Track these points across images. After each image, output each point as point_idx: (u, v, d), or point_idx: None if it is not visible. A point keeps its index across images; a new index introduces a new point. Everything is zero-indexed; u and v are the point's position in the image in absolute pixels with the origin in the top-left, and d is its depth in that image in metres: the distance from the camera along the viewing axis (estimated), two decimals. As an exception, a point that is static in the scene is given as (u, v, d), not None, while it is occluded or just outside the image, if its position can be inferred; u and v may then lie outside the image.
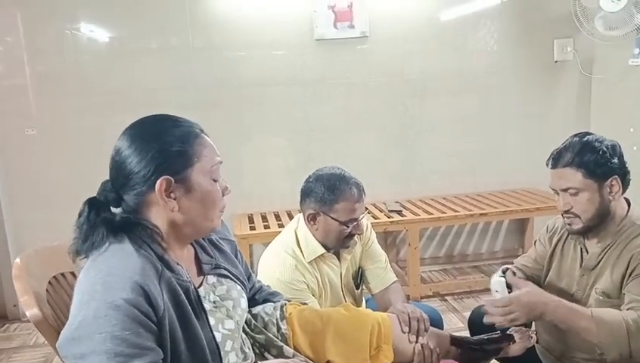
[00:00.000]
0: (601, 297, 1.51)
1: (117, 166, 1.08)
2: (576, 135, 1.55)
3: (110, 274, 0.98)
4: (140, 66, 3.15)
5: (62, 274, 1.36)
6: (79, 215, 1.08)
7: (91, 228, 1.05)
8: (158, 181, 1.05)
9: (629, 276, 1.46)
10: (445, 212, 3.16)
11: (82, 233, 1.06)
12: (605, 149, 1.48)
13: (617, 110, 3.38)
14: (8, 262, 3.08)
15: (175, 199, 1.07)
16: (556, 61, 3.50)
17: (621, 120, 3.29)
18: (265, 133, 3.34)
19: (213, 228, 1.16)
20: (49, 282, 1.30)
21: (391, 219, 3.08)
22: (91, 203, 1.09)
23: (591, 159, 1.47)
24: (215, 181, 1.12)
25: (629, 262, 1.46)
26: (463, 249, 3.72)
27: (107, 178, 1.12)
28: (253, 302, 1.41)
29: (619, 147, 1.53)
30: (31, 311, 1.16)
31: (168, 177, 1.05)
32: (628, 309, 1.43)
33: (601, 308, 1.47)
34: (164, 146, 1.07)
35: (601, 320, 1.39)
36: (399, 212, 3.17)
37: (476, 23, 3.43)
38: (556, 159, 1.53)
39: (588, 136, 1.53)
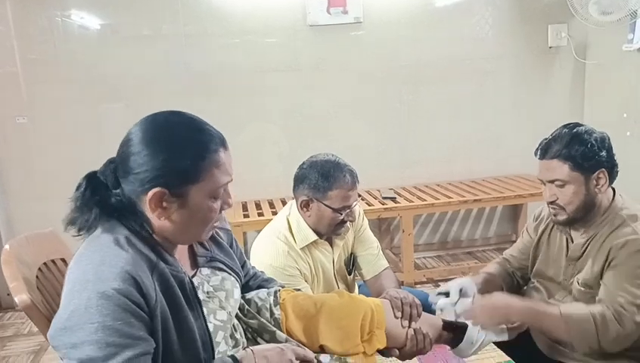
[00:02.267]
0: (582, 288, 1.52)
1: (123, 156, 1.05)
2: (565, 126, 1.53)
3: (102, 263, 0.98)
4: (132, 54, 3.12)
5: (52, 261, 1.36)
6: (77, 188, 1.06)
7: (84, 205, 1.04)
8: (151, 191, 1.01)
9: (608, 266, 1.46)
10: (438, 199, 3.17)
11: (76, 207, 1.05)
12: (594, 142, 1.46)
13: (611, 95, 3.38)
14: (0, 250, 3.07)
15: (165, 208, 1.04)
16: (550, 47, 3.49)
17: (615, 105, 3.30)
18: (258, 120, 3.32)
19: (200, 240, 1.16)
20: (39, 269, 1.30)
21: (385, 206, 3.08)
22: (91, 178, 1.07)
23: (579, 151, 1.45)
24: (216, 198, 1.08)
25: (609, 252, 1.46)
26: (457, 235, 3.73)
27: (99, 166, 1.10)
28: (247, 288, 1.40)
29: (609, 139, 1.51)
30: (20, 297, 1.16)
31: (163, 190, 1.02)
32: (597, 301, 1.44)
33: (569, 304, 1.49)
34: (171, 159, 1.02)
35: (569, 317, 1.42)
36: (393, 199, 3.17)
37: (470, 9, 3.42)
38: (544, 150, 1.52)
39: (577, 128, 1.51)
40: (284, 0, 3.19)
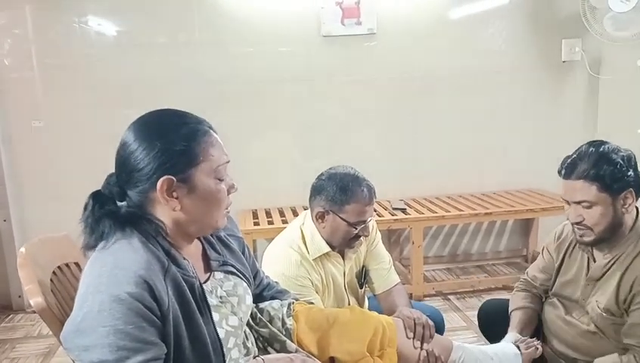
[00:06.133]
0: (604, 314, 1.50)
1: (121, 161, 1.08)
2: (591, 144, 1.48)
3: (116, 267, 0.99)
4: (147, 61, 3.15)
5: (66, 265, 1.37)
6: (84, 209, 1.08)
7: (96, 221, 1.06)
8: (159, 181, 1.04)
9: (632, 300, 1.44)
10: (449, 211, 3.15)
11: (88, 226, 1.06)
12: (622, 162, 1.42)
13: (625, 111, 3.35)
14: (14, 253, 3.10)
15: (177, 198, 1.06)
16: (564, 61, 3.48)
17: (628, 121, 3.27)
18: (270, 129, 3.33)
19: (217, 227, 1.15)
20: (53, 272, 1.30)
21: (395, 217, 3.07)
22: (96, 196, 1.09)
23: (608, 172, 1.41)
24: (220, 180, 1.10)
25: (633, 283, 1.44)
26: (467, 248, 3.71)
27: (113, 170, 1.12)
28: (260, 298, 1.41)
29: (635, 157, 1.48)
30: (35, 300, 1.17)
31: (170, 177, 1.04)
32: (625, 343, 1.42)
33: (602, 359, 1.46)
34: (168, 144, 1.05)
35: None
36: (404, 211, 3.16)
37: (484, 21, 3.42)
38: (570, 169, 1.47)
39: (604, 146, 1.46)
40: (298, 10, 3.21)
